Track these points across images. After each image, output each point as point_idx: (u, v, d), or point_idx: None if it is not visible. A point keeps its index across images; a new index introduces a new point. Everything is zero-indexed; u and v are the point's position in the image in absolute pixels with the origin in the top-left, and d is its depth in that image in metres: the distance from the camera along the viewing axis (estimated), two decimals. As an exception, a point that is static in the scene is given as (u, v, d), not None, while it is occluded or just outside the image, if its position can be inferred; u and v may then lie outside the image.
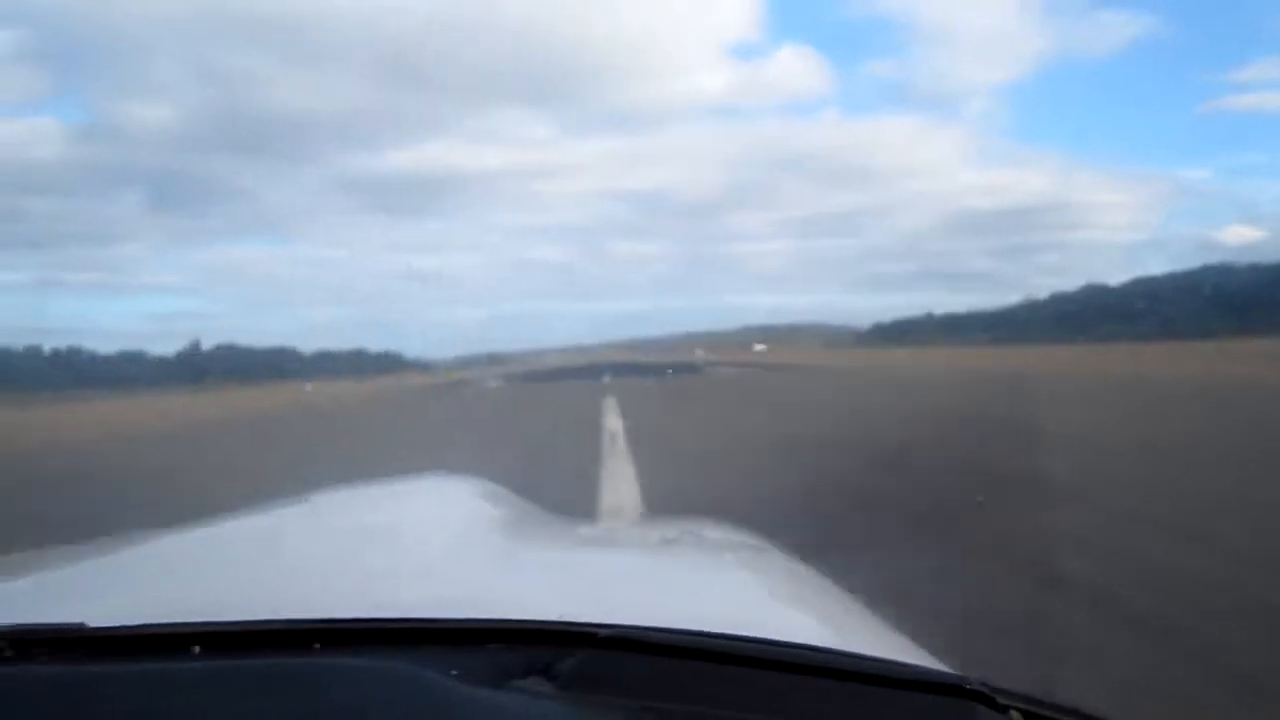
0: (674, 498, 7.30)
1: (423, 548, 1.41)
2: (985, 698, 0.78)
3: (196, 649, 0.83)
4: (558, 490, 7.43)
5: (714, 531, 1.76)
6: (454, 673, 0.77)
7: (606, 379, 33.38)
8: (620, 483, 8.36)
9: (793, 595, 1.35)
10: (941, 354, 48.03)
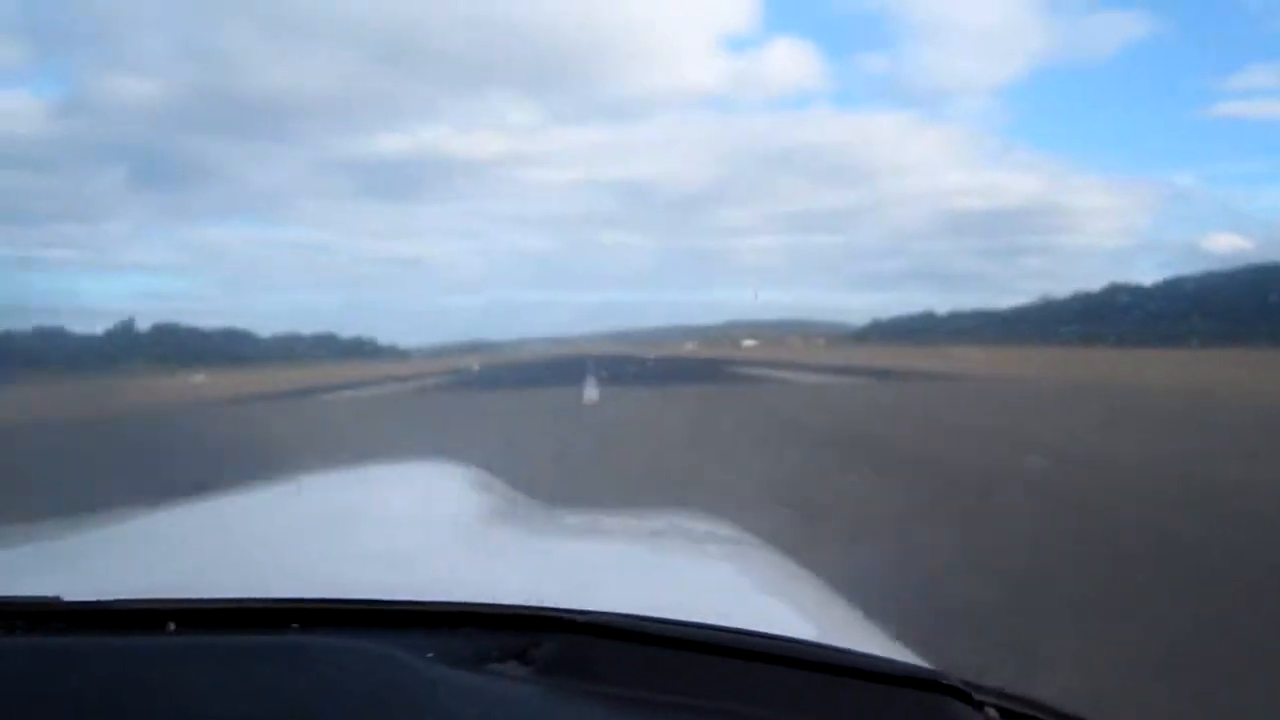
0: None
1: (405, 532, 1.42)
2: (962, 693, 0.78)
3: (172, 625, 0.84)
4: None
5: (698, 524, 1.77)
6: (429, 655, 0.77)
7: (591, 390, 21.88)
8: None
9: (774, 588, 1.36)
10: (978, 355, 39.62)
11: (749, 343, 74.58)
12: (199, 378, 37.74)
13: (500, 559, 1.31)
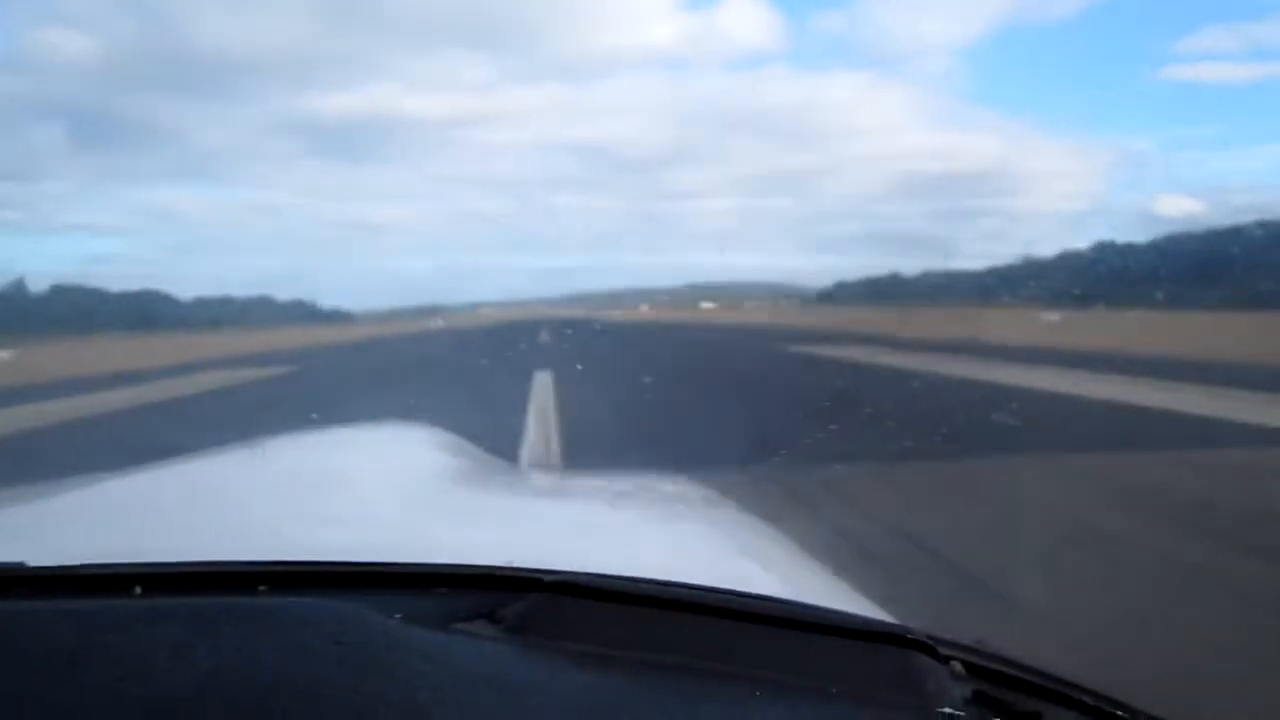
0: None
1: (374, 494, 1.41)
2: (927, 647, 0.79)
3: (138, 589, 0.83)
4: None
5: (670, 485, 1.77)
6: (398, 615, 0.77)
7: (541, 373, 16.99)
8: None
9: (743, 547, 1.36)
10: (980, 315, 33.24)
11: (707, 305, 72.52)
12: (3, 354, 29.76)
13: (469, 520, 1.31)
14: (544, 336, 22.58)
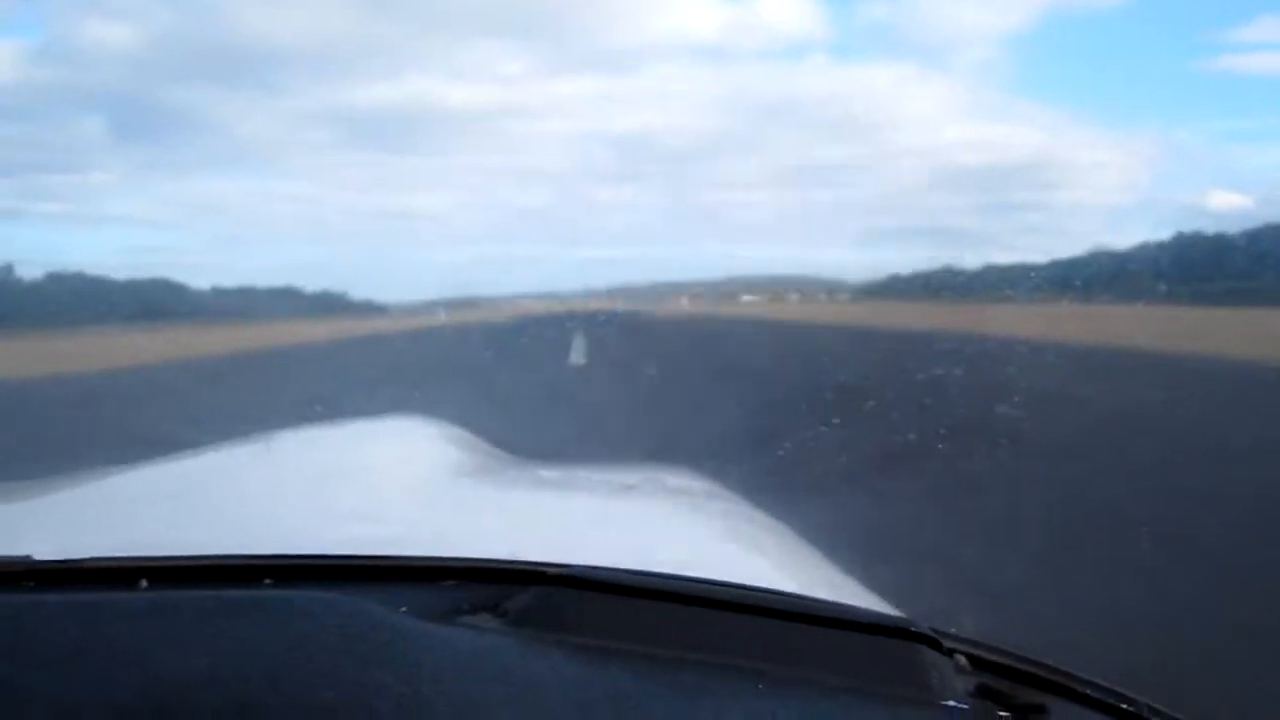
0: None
1: (380, 488, 1.41)
2: (931, 641, 0.79)
3: (144, 582, 0.83)
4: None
5: (675, 479, 1.77)
6: (403, 608, 0.77)
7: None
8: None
9: (748, 540, 1.35)
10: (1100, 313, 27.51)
11: (748, 298, 70.00)
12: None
13: (475, 513, 1.30)
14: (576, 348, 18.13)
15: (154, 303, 44.12)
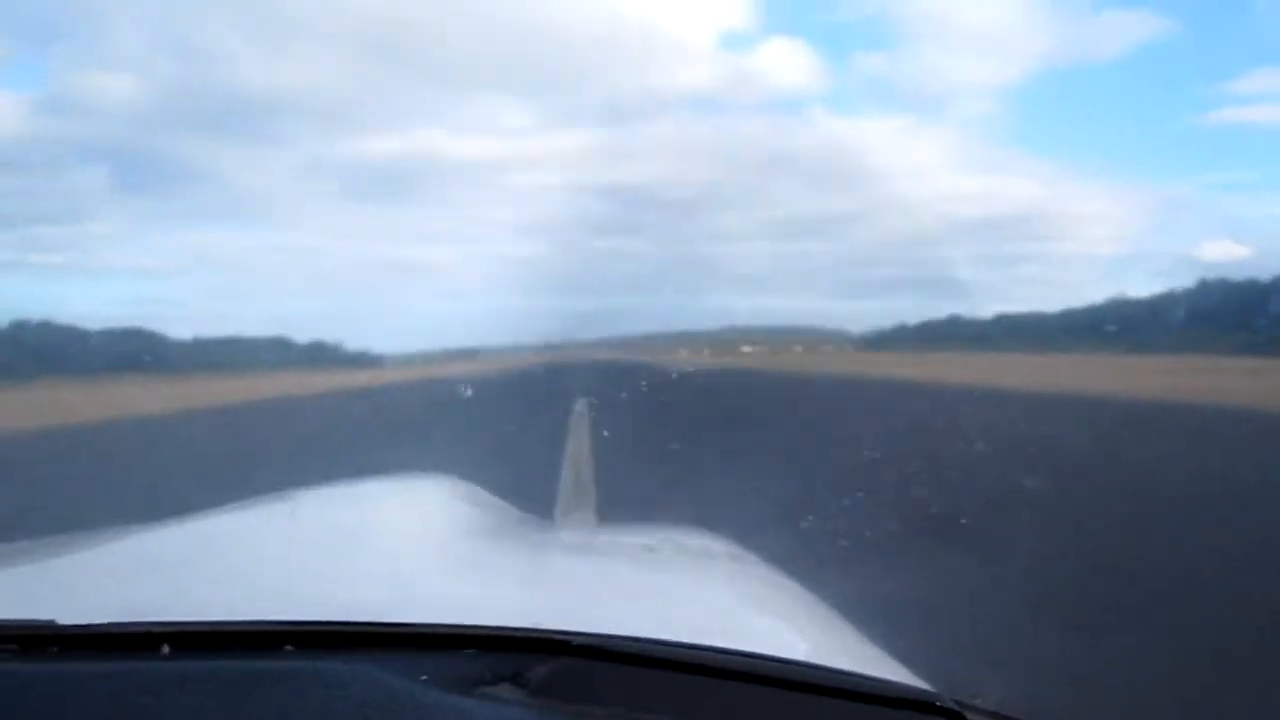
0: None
1: (398, 550, 1.39)
2: (955, 714, 0.79)
3: (166, 648, 0.83)
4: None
5: (695, 540, 1.73)
6: (423, 678, 0.77)
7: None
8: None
9: (770, 606, 1.34)
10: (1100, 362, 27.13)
11: (747, 349, 68.86)
12: None
13: (495, 578, 1.30)
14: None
15: (125, 354, 41.82)
